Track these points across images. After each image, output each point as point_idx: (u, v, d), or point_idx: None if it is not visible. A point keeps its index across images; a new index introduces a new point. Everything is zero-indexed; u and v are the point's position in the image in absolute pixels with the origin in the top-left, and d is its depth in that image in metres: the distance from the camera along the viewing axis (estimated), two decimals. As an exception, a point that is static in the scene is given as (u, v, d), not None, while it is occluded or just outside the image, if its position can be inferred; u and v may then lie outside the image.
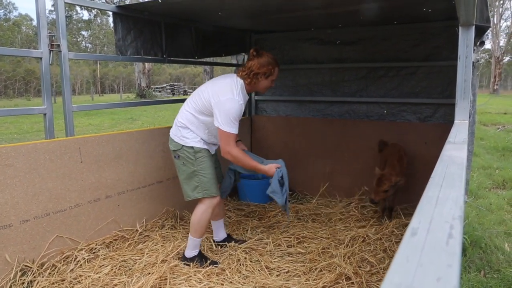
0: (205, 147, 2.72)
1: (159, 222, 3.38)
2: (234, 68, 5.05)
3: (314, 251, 2.92)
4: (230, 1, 3.02)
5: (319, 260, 2.79)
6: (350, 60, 4.24)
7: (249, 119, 4.79)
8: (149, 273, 2.59)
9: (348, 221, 3.55)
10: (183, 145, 2.67)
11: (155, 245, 3.00)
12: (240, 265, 2.74)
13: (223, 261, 2.81)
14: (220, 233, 3.10)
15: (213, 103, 2.57)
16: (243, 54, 4.83)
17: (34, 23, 47.81)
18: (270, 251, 2.96)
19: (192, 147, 2.66)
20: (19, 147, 2.47)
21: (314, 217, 3.67)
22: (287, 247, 3.04)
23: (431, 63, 3.88)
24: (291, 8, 3.28)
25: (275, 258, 2.85)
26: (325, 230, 3.33)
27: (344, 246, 3.00)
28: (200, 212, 2.72)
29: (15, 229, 2.42)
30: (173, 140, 2.73)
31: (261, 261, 2.78)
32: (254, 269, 2.68)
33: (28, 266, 2.45)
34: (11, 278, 2.35)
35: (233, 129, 2.56)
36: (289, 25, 4.20)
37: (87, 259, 2.71)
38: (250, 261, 2.78)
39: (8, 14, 42.45)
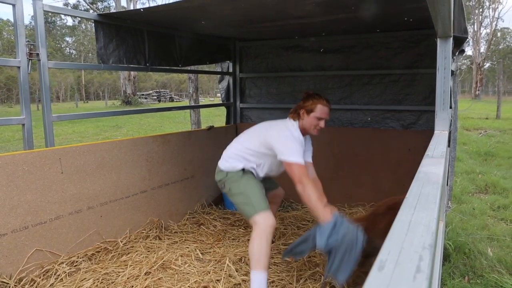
0: (253, 171, 2.68)
1: (143, 232, 3.33)
2: (219, 76, 5.04)
3: (300, 260, 2.91)
4: (212, 11, 3.02)
5: (305, 269, 2.78)
6: (334, 67, 4.28)
7: (234, 127, 4.77)
8: (132, 286, 2.53)
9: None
10: (228, 172, 2.63)
11: (139, 257, 2.95)
12: (229, 275, 2.71)
13: (208, 270, 2.77)
14: None
15: (273, 139, 2.54)
16: (228, 61, 4.83)
17: (17, 29, 46.98)
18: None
19: (240, 170, 2.63)
20: (-4, 159, 2.40)
21: (300, 225, 3.66)
22: (277, 253, 3.01)
23: (414, 71, 3.93)
24: (273, 18, 3.29)
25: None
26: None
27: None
28: (257, 236, 2.36)
29: (8, 237, 2.35)
30: (220, 169, 2.70)
31: (248, 271, 2.74)
32: (241, 280, 2.65)
33: (5, 282, 2.37)
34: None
35: (300, 159, 2.40)
36: (273, 34, 4.21)
37: (68, 273, 2.64)
38: (236, 271, 2.75)
39: (-11, 20, 41.66)
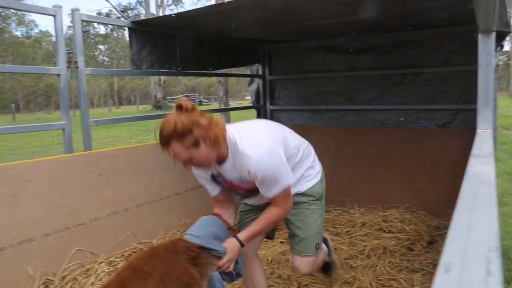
0: None
1: (177, 234, 3.39)
2: (248, 79, 5.08)
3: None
4: (241, 13, 3.05)
5: (340, 272, 2.74)
6: (365, 67, 4.21)
7: (264, 129, 4.78)
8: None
9: (366, 231, 3.48)
10: None
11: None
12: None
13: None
14: None
15: None
16: (257, 64, 4.85)
17: (54, 39, 49.20)
18: (288, 263, 2.92)
19: None
20: (40, 163, 2.52)
21: (332, 229, 3.62)
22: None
23: (448, 69, 3.81)
24: (302, 19, 3.28)
25: (294, 271, 2.80)
26: (345, 241, 3.27)
27: (364, 257, 2.94)
28: None
29: (37, 243, 2.46)
30: None
31: (281, 274, 2.74)
32: (274, 281, 2.65)
33: (50, 280, 2.48)
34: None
35: None
36: (302, 35, 4.20)
37: (107, 272, 2.72)
38: (270, 274, 2.75)
39: (29, 31, 43.78)
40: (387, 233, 3.44)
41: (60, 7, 2.62)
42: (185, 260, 1.66)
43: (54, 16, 2.61)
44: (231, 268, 1.81)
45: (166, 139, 1.60)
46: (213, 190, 1.97)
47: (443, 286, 0.38)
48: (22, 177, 2.39)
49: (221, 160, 1.75)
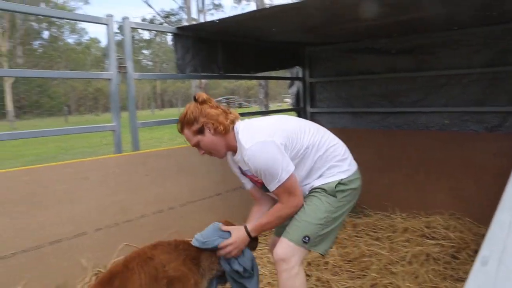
0: None
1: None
2: (289, 81, 5.11)
3: (375, 268, 2.84)
4: (282, 18, 3.09)
5: (379, 277, 2.71)
6: (407, 69, 4.12)
7: (304, 131, 4.79)
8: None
9: (408, 237, 3.40)
10: None
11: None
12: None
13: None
14: None
15: None
16: (297, 67, 4.88)
17: (102, 45, 51.61)
18: (327, 266, 2.92)
19: None
20: (93, 162, 2.69)
21: (372, 233, 3.57)
22: (346, 262, 2.98)
23: (498, 69, 3.65)
24: (343, 21, 3.27)
25: (334, 275, 2.81)
26: (385, 246, 3.22)
27: (406, 264, 2.89)
28: None
29: (90, 237, 2.63)
30: None
31: (320, 277, 2.75)
32: (313, 284, 2.66)
33: (101, 271, 2.64)
34: (87, 281, 2.55)
35: None
36: (343, 37, 4.18)
37: (151, 268, 2.86)
38: (307, 275, 2.77)
39: (80, 38, 46.32)
40: (430, 239, 3.35)
41: (112, 16, 2.80)
42: (185, 256, 1.84)
43: (106, 24, 2.78)
44: (233, 253, 1.86)
45: (179, 125, 1.91)
46: (247, 184, 2.08)
47: (479, 278, 0.40)
48: (77, 175, 2.57)
49: (234, 151, 1.89)
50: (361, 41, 4.36)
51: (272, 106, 35.43)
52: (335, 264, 2.91)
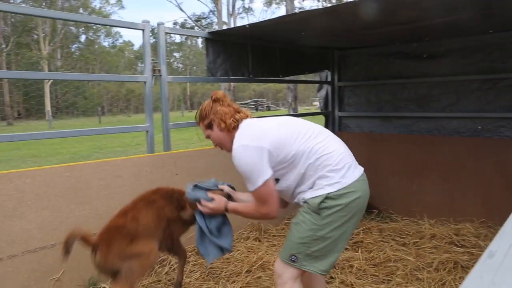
0: None
1: (244, 234, 3.55)
2: (317, 86, 5.13)
3: (400, 273, 2.83)
4: (312, 22, 3.13)
5: (404, 283, 2.69)
6: (438, 73, 4.06)
7: (331, 135, 4.80)
8: (234, 281, 2.74)
9: (436, 244, 3.35)
10: None
11: (240, 256, 3.16)
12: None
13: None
14: None
15: None
16: (326, 71, 4.89)
17: (135, 47, 53.07)
18: (351, 270, 2.93)
19: None
20: (127, 160, 2.82)
21: (398, 238, 3.53)
22: (371, 266, 2.98)
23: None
24: (374, 25, 3.28)
25: (358, 278, 2.81)
26: (412, 252, 3.19)
27: (432, 270, 2.85)
28: None
29: (122, 232, 2.76)
30: None
31: (344, 280, 2.76)
32: (336, 287, 2.68)
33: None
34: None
35: None
36: (373, 41, 4.17)
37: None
38: (331, 277, 2.78)
39: (115, 41, 47.90)
40: (459, 247, 3.28)
41: (148, 22, 2.93)
42: (177, 203, 2.34)
43: (142, 30, 2.92)
44: (205, 210, 2.09)
45: (196, 119, 2.11)
46: None
47: (483, 268, 0.44)
48: (113, 173, 2.71)
49: None
50: (392, 45, 4.34)
51: (300, 109, 35.31)
52: (359, 268, 2.91)
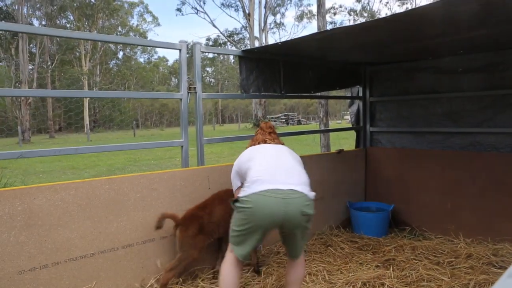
0: None
1: (274, 248, 3.58)
2: (348, 101, 5.14)
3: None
4: (343, 39, 3.18)
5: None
6: (473, 88, 3.98)
7: (363, 151, 4.77)
8: None
9: (472, 264, 3.24)
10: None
11: (270, 269, 3.19)
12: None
13: (335, 291, 2.84)
14: None
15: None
16: (358, 86, 4.90)
17: (169, 63, 54.62)
18: (384, 286, 2.89)
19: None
20: (162, 174, 2.94)
21: (431, 257, 3.45)
22: (403, 285, 2.92)
23: None
24: (407, 39, 3.28)
25: None
26: (446, 271, 3.10)
27: (468, 290, 2.77)
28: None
29: (156, 243, 2.86)
30: (311, 200, 2.28)
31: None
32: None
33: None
34: (151, 282, 2.78)
35: None
36: (405, 56, 4.15)
37: (213, 276, 3.02)
38: (363, 295, 2.76)
39: (150, 57, 49.62)
40: (498, 268, 3.16)
41: (185, 42, 3.07)
42: None
43: (179, 50, 3.06)
44: None
45: None
46: None
47: (503, 286, 0.47)
48: (149, 186, 2.83)
49: None
50: (425, 60, 4.30)
51: (331, 124, 35.05)
52: (391, 286, 2.86)
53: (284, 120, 38.28)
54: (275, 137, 2.75)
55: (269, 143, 2.63)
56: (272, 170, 2.29)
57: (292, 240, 2.33)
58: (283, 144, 2.72)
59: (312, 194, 2.27)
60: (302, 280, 2.47)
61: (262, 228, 2.21)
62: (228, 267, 2.27)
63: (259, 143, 2.64)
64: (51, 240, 2.42)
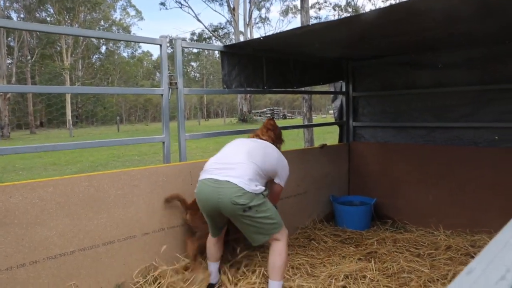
0: None
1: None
2: (332, 96, 5.16)
3: (414, 285, 2.81)
4: (325, 34, 3.18)
5: (419, 293, 2.68)
6: (455, 83, 4.04)
7: (346, 145, 4.81)
8: None
9: (451, 255, 3.31)
10: (256, 194, 2.43)
11: (254, 265, 3.19)
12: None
13: (317, 285, 2.86)
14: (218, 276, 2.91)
15: (280, 166, 2.73)
16: (341, 81, 4.92)
17: (153, 57, 53.98)
18: (364, 280, 2.93)
19: (262, 192, 2.51)
20: (144, 170, 2.91)
21: (413, 249, 3.50)
22: (384, 276, 2.97)
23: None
24: (389, 34, 3.30)
25: (371, 288, 2.81)
26: (426, 263, 3.16)
27: (447, 282, 2.82)
28: (285, 249, 2.54)
29: (137, 240, 2.83)
30: (246, 191, 2.39)
31: (356, 289, 2.77)
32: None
33: (146, 274, 2.83)
34: (133, 278, 2.75)
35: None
36: (387, 51, 4.19)
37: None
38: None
39: (134, 52, 48.88)
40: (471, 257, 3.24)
41: (166, 37, 3.03)
42: None
43: (160, 45, 3.02)
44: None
45: None
46: None
47: (462, 283, 0.48)
48: (130, 182, 2.79)
49: None
50: (406, 55, 4.34)
51: (316, 118, 35.21)
52: (372, 279, 2.90)
53: (269, 115, 38.31)
54: (270, 134, 2.97)
55: (259, 138, 2.92)
56: (221, 162, 2.59)
57: (242, 227, 2.54)
58: (272, 141, 2.94)
59: (252, 188, 2.40)
60: (277, 268, 2.50)
61: (205, 212, 2.58)
62: (208, 242, 2.86)
63: (252, 137, 2.94)
64: (29, 238, 2.37)
